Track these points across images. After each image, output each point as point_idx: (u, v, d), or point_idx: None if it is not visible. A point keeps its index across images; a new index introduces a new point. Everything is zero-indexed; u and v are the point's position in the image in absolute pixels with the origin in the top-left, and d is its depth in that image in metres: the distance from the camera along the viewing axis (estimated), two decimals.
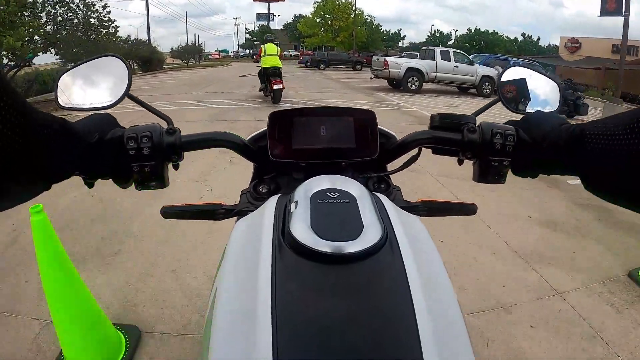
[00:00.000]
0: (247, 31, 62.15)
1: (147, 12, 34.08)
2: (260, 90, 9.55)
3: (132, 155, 0.56)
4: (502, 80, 0.73)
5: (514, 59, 20.29)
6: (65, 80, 0.65)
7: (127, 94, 0.64)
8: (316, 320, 0.36)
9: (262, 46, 9.05)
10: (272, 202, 0.55)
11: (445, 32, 59.80)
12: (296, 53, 64.37)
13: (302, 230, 0.44)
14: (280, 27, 65.22)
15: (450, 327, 0.39)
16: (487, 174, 0.63)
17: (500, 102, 0.71)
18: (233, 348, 0.36)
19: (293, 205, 0.49)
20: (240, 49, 75.47)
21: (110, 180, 0.58)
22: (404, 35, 61.31)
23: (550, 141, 0.55)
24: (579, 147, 0.50)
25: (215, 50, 71.64)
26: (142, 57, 26.44)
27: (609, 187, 0.47)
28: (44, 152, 0.41)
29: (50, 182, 0.45)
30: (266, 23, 61.73)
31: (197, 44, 40.63)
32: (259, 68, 9.27)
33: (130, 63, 24.85)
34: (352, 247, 0.41)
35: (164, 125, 0.62)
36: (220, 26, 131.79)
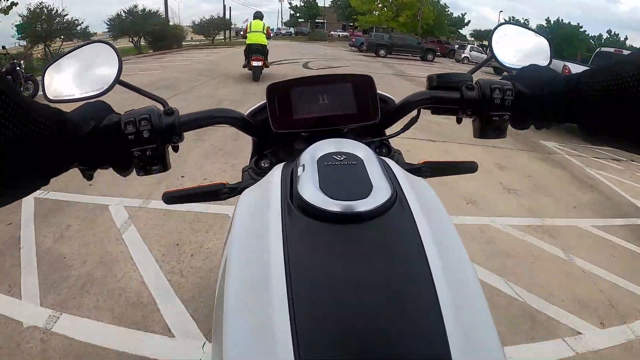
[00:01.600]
0: (290, 6, 54.18)
1: None
2: (244, 66, 9.05)
3: (131, 140, 0.55)
4: (493, 37, 0.73)
5: None
6: (51, 72, 0.64)
7: (118, 81, 0.63)
8: (332, 281, 0.35)
9: (249, 23, 9.02)
10: (277, 170, 0.55)
11: (521, 20, 49.45)
12: (345, 33, 56.64)
13: (311, 191, 0.43)
14: (328, 3, 57.14)
15: (466, 284, 0.39)
16: (488, 129, 0.64)
17: (493, 59, 0.73)
18: (249, 315, 0.35)
19: (300, 169, 0.49)
20: (284, 27, 68.17)
21: (111, 169, 0.57)
22: (469, 21, 51.54)
23: (547, 92, 0.56)
24: (577, 95, 0.51)
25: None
26: (154, 33, 20.66)
27: (607, 132, 0.49)
28: (41, 146, 0.41)
29: (49, 177, 0.45)
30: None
31: (226, 17, 33.17)
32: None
33: (137, 40, 18.82)
34: (362, 205, 0.41)
35: (160, 108, 0.60)
36: (266, 3, 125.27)
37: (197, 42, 28.59)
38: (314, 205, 0.42)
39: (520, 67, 0.68)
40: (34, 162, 0.40)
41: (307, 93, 0.67)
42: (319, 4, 54.19)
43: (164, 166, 0.59)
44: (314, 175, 0.46)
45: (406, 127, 0.74)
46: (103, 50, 0.65)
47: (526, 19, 48.60)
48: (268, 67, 9.26)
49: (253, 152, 0.75)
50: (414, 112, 0.71)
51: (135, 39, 20.20)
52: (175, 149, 0.62)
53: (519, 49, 0.73)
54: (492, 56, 0.73)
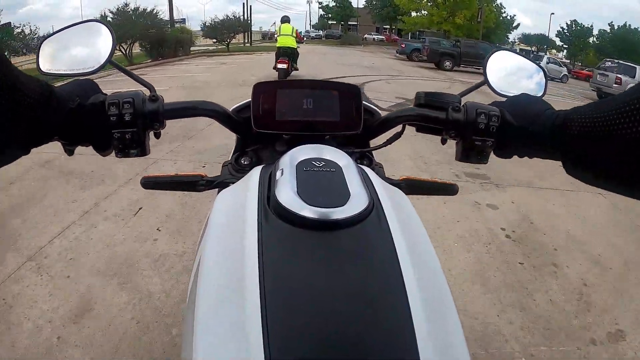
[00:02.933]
0: (320, 5, 48.59)
1: None
2: (273, 68, 8.95)
3: (113, 122, 0.55)
4: (488, 62, 0.73)
5: None
6: (47, 45, 0.65)
7: (109, 60, 0.63)
8: (306, 287, 0.36)
9: (278, 27, 9.35)
10: (256, 172, 0.55)
11: (585, 25, 42.25)
12: (380, 37, 50.80)
13: (288, 196, 0.43)
14: (362, 4, 51.31)
15: (438, 294, 0.40)
16: (470, 153, 0.63)
17: (486, 85, 0.71)
18: (220, 320, 0.35)
19: (279, 173, 0.49)
20: (312, 29, 62.73)
21: (90, 148, 0.58)
22: (518, 24, 44.36)
23: (534, 125, 0.56)
24: (562, 132, 0.51)
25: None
26: (150, 38, 16.38)
27: (590, 171, 0.49)
28: (25, 117, 0.41)
29: (29, 147, 0.45)
30: None
31: (244, 18, 26.03)
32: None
33: (126, 48, 14.00)
34: (339, 213, 0.41)
35: (147, 93, 0.61)
36: (294, 5, 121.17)
37: (212, 47, 23.58)
38: (290, 210, 0.42)
39: (512, 94, 0.68)
40: (16, 132, 0.41)
41: (293, 96, 0.66)
42: (353, 5, 48.31)
43: (143, 150, 0.59)
44: (292, 180, 0.46)
45: (389, 142, 0.74)
46: (99, 29, 0.66)
47: (573, 20, 41.71)
48: (297, 69, 9.51)
49: (235, 149, 0.75)
50: (399, 127, 0.71)
51: (125, 47, 15.17)
52: (157, 135, 0.62)
53: (514, 77, 0.74)
54: (485, 81, 0.72)
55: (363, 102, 0.68)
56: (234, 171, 0.71)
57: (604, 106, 0.45)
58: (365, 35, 49.40)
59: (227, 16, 22.25)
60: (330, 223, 0.41)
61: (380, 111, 0.75)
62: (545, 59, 22.99)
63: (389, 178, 0.71)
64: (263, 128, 0.66)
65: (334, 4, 45.76)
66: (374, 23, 50.02)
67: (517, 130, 0.58)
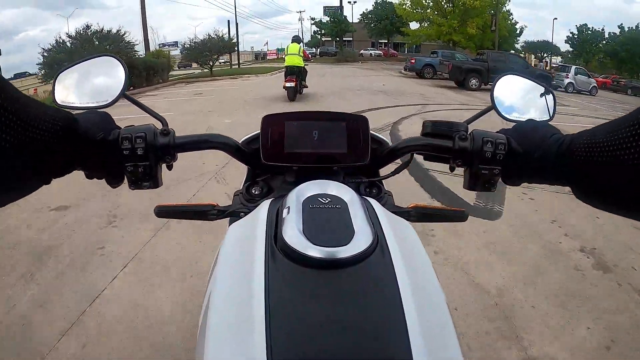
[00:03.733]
0: (313, 22, 45.75)
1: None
2: (283, 87, 9.27)
3: (125, 155, 0.57)
4: (495, 87, 0.72)
5: None
6: (62, 78, 0.67)
7: (123, 94, 0.65)
8: (310, 326, 0.37)
9: (287, 46, 9.72)
10: (264, 207, 0.57)
11: (596, 29, 39.45)
12: (377, 52, 48.23)
13: (294, 235, 0.45)
14: (356, 19, 48.73)
15: (440, 330, 0.41)
16: (477, 182, 0.63)
17: (493, 110, 0.71)
18: (228, 354, 0.37)
19: (285, 211, 0.50)
20: (305, 47, 60.30)
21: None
22: (522, 29, 41.15)
23: (540, 151, 0.55)
24: (568, 157, 0.51)
25: (271, 49, 56.18)
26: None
27: (598, 196, 0.48)
28: (46, 148, 0.42)
29: (50, 177, 0.47)
30: (339, 12, 45.10)
31: (229, 37, 22.22)
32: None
33: None
34: (343, 252, 0.42)
35: (159, 125, 0.63)
36: (288, 25, 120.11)
37: (197, 71, 20.65)
38: (295, 250, 0.43)
39: (520, 120, 0.69)
40: (40, 163, 0.42)
41: (301, 128, 0.67)
42: (349, 21, 45.57)
43: (155, 183, 0.61)
44: (298, 219, 0.47)
45: (397, 171, 0.75)
46: (111, 63, 0.68)
47: (583, 24, 39.10)
48: (306, 86, 9.87)
49: (246, 178, 0.77)
50: (407, 156, 0.71)
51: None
52: (169, 167, 0.64)
53: (522, 101, 0.73)
54: (492, 106, 0.71)
55: (370, 132, 0.69)
56: (245, 201, 0.71)
57: (610, 128, 0.44)
58: (362, 51, 46.74)
59: (209, 36, 19.38)
60: (334, 262, 0.42)
61: (387, 140, 0.75)
62: (573, 70, 20.13)
63: (397, 206, 0.71)
64: (272, 160, 0.67)
65: (328, 19, 43.10)
66: (370, 37, 47.41)
67: (523, 157, 0.58)
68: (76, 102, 0.65)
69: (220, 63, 25.25)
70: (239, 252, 0.50)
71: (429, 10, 29.76)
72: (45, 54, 14.15)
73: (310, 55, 13.37)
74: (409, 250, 0.48)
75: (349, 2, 50.25)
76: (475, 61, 15.45)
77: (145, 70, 14.67)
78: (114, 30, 15.31)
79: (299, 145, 0.67)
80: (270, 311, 0.37)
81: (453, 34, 27.55)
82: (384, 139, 0.76)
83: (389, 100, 9.98)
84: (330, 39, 47.69)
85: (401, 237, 0.49)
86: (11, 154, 0.37)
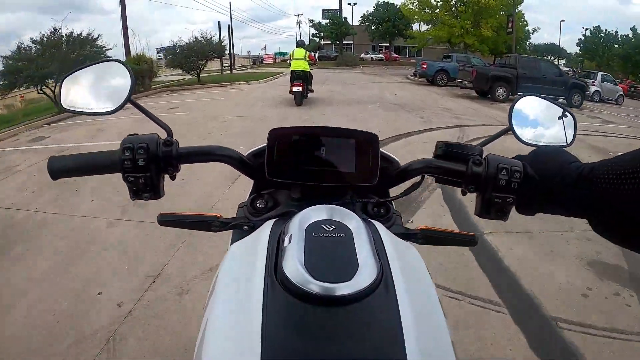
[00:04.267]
0: (311, 24, 43.24)
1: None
2: (289, 92, 9.41)
3: (126, 167, 0.57)
4: (514, 109, 0.70)
5: None
6: (68, 82, 0.67)
7: (129, 100, 0.65)
8: None
9: (292, 50, 9.60)
10: (266, 230, 0.55)
11: (610, 32, 37.32)
12: (379, 56, 46.27)
13: (294, 268, 0.43)
14: (357, 21, 46.67)
15: None
16: (489, 209, 0.61)
17: (510, 132, 0.70)
18: None
19: (287, 239, 0.48)
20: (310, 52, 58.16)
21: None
22: (534, 30, 38.83)
23: (558, 180, 0.53)
24: (588, 187, 0.48)
25: (268, 53, 54.01)
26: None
27: (617, 230, 0.46)
28: None
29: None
30: (338, 14, 42.93)
31: (219, 39, 19.52)
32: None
33: (56, 88, 9.68)
34: (345, 288, 0.41)
35: (163, 134, 0.62)
36: (286, 29, 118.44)
37: (183, 79, 18.60)
38: (296, 285, 0.41)
39: (538, 144, 0.68)
40: None
41: (309, 143, 0.65)
42: (350, 23, 43.43)
43: (157, 193, 0.60)
44: (300, 249, 0.46)
45: (406, 192, 0.70)
46: (117, 69, 0.67)
47: (596, 26, 37.13)
48: (312, 91, 9.89)
49: (252, 191, 0.75)
50: (418, 178, 0.69)
51: (54, 87, 10.41)
52: (172, 178, 0.63)
53: (541, 124, 0.71)
54: (509, 128, 0.70)
55: (381, 150, 0.66)
56: (249, 214, 0.70)
57: (636, 156, 0.42)
58: (362, 55, 44.76)
59: (196, 38, 17.30)
60: (336, 299, 0.40)
61: (398, 160, 0.73)
62: (599, 76, 18.10)
63: (406, 228, 0.70)
64: (277, 176, 0.64)
65: (327, 21, 41.06)
66: (371, 40, 45.44)
67: (540, 186, 0.55)
68: (82, 107, 0.66)
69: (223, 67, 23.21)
70: (238, 280, 0.48)
71: (438, 11, 27.48)
72: (3, 61, 12.06)
73: (316, 60, 12.48)
74: (414, 282, 0.47)
75: (349, 4, 48.21)
76: (500, 67, 13.36)
77: None
78: (86, 34, 13.27)
79: (305, 162, 0.64)
80: (266, 346, 0.36)
81: (465, 36, 25.43)
82: (395, 158, 0.73)
83: (412, 119, 7.95)
84: (329, 42, 45.69)
85: (407, 266, 0.48)
86: None
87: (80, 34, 13.32)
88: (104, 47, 13.91)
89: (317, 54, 42.04)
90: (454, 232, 0.75)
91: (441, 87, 16.21)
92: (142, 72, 14.12)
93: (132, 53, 17.34)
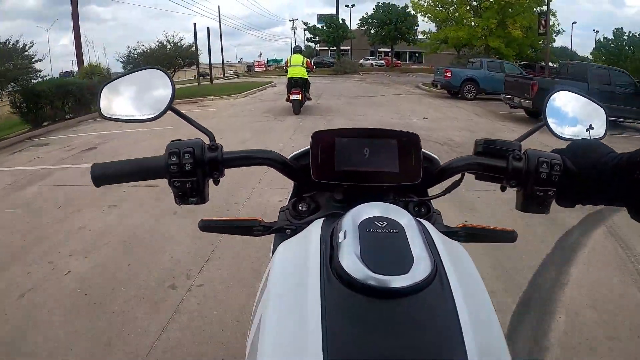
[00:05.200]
0: (305, 27, 39.05)
1: None
2: (286, 100, 9.13)
3: (173, 171, 0.58)
4: (548, 104, 0.71)
5: None
6: (107, 90, 0.68)
7: (169, 107, 0.65)
8: (368, 356, 0.36)
9: (289, 57, 9.31)
10: (316, 227, 0.55)
11: (634, 34, 33.56)
12: (379, 62, 43.00)
13: (352, 262, 0.43)
14: (355, 25, 43.16)
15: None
16: (531, 203, 0.62)
17: (545, 127, 0.71)
18: None
19: (341, 235, 0.48)
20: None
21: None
22: (558, 32, 34.52)
23: (596, 171, 0.55)
24: (627, 176, 0.50)
25: (258, 60, 50.23)
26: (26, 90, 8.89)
27: None
28: None
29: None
30: (335, 17, 39.39)
31: (195, 44, 16.60)
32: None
33: None
34: (403, 281, 0.41)
35: (206, 140, 0.63)
36: (283, 36, 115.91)
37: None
38: (354, 277, 0.41)
39: (573, 138, 0.69)
40: None
41: (352, 145, 0.66)
42: (348, 27, 39.45)
43: (202, 199, 0.61)
44: (355, 244, 0.46)
45: (448, 190, 0.72)
46: (157, 76, 0.67)
47: (619, 28, 33.81)
48: (310, 99, 9.55)
49: (292, 194, 0.75)
50: (458, 176, 0.69)
51: None
52: (216, 183, 0.63)
53: (573, 118, 0.72)
54: (544, 123, 0.70)
55: (422, 150, 0.67)
56: (291, 217, 0.70)
57: None
58: (361, 61, 41.44)
59: (161, 43, 13.82)
60: (394, 291, 0.40)
61: (438, 158, 0.73)
62: None
63: (446, 226, 0.70)
64: (322, 178, 0.65)
65: (323, 23, 37.58)
66: (371, 45, 42.10)
67: (579, 177, 0.57)
68: (122, 115, 0.66)
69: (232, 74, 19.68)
70: (292, 275, 0.48)
71: (455, 7, 23.49)
72: None
73: (314, 66, 10.59)
74: (466, 278, 0.47)
75: (347, 6, 44.68)
76: (562, 79, 9.79)
77: (59, 98, 9.33)
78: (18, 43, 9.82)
79: (349, 163, 0.65)
80: (327, 339, 0.36)
81: (488, 38, 21.66)
82: (435, 157, 0.73)
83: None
84: (326, 47, 42.35)
85: (458, 263, 0.48)
86: None
87: (7, 41, 9.82)
88: (31, 55, 10.45)
89: (312, 60, 38.70)
90: (494, 228, 0.74)
91: (469, 100, 12.78)
92: (90, 88, 10.59)
93: (112, 63, 13.84)
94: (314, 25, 37.13)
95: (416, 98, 13.55)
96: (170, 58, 14.06)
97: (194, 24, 18.30)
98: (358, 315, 0.39)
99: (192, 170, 0.58)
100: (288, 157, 0.70)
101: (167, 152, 0.58)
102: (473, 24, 22.16)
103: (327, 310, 0.39)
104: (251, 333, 0.49)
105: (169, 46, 14.28)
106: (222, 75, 30.06)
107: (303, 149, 0.71)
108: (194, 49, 15.78)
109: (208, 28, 18.55)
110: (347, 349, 0.36)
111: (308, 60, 9.36)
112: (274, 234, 0.70)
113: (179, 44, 14.79)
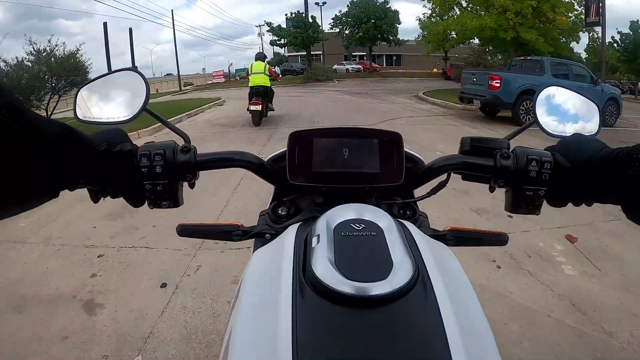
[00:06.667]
0: (268, 28, 31.48)
1: None
2: (247, 109, 8.38)
3: (144, 173, 0.56)
4: (538, 101, 0.69)
5: None
6: (83, 93, 0.67)
7: (144, 109, 0.64)
8: None
9: (251, 64, 8.77)
10: (291, 233, 0.53)
11: None
12: (356, 67, 37.74)
13: (325, 268, 0.41)
14: (327, 25, 37.56)
15: None
16: (521, 204, 0.59)
17: (535, 125, 0.69)
18: None
19: (315, 240, 0.46)
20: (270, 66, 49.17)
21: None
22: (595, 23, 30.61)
23: (590, 168, 0.52)
24: (623, 172, 0.48)
25: (217, 71, 44.01)
26: None
27: None
28: (48, 158, 0.41)
29: (57, 190, 0.45)
30: (304, 14, 33.42)
31: (73, 53, 9.73)
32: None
33: None
34: (381, 287, 0.38)
35: (181, 142, 0.61)
36: (253, 45, 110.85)
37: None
38: (327, 285, 0.39)
39: (564, 135, 0.66)
40: (38, 174, 0.40)
41: (330, 145, 0.64)
42: (321, 27, 33.41)
43: (175, 202, 0.59)
44: (329, 249, 0.43)
45: (433, 191, 0.69)
46: (132, 78, 0.66)
47: (635, 21, 29.44)
48: (273, 109, 9.12)
49: (273, 198, 0.73)
50: (444, 176, 0.67)
51: None
52: (191, 186, 0.62)
53: (565, 115, 0.70)
54: (535, 121, 0.68)
55: (405, 149, 0.65)
56: (271, 222, 0.68)
57: None
58: (335, 66, 36.06)
59: (29, 55, 8.18)
60: (371, 299, 0.38)
61: (422, 158, 0.71)
62: None
63: (433, 229, 0.68)
64: (299, 181, 0.63)
65: (289, 23, 31.66)
66: (346, 49, 36.58)
67: (571, 175, 0.54)
68: (97, 117, 0.65)
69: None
70: (264, 284, 0.46)
71: None
72: None
73: (278, 74, 10.06)
74: (452, 280, 0.44)
75: (317, 4, 38.83)
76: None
77: None
78: None
79: (328, 165, 0.63)
80: (297, 353, 0.34)
81: (520, 29, 15.66)
82: (419, 157, 0.70)
83: None
84: (295, 53, 36.73)
85: (443, 265, 0.46)
86: (22, 166, 0.37)
87: None
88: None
89: (279, 68, 32.60)
90: (484, 231, 0.72)
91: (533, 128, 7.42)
92: None
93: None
94: (279, 26, 31.15)
95: (427, 120, 8.81)
96: (39, 75, 8.38)
97: (104, 24, 13.00)
98: (332, 325, 0.37)
99: (163, 172, 0.55)
100: (265, 159, 0.69)
101: (138, 154, 0.55)
102: (504, 9, 15.81)
103: (298, 322, 0.37)
104: (224, 344, 0.47)
105: (35, 60, 8.62)
106: (178, 90, 26.60)
107: (280, 151, 0.68)
108: (83, 59, 10.19)
109: (130, 29, 12.87)
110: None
111: (270, 67, 8.95)
112: (253, 239, 0.68)
113: (52, 54, 9.14)
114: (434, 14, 20.39)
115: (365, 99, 14.29)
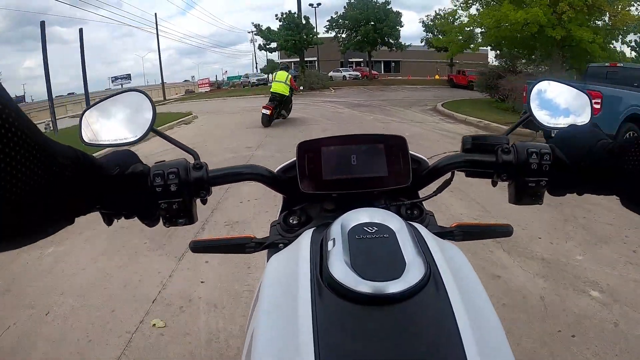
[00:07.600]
0: (255, 30, 29.33)
1: None
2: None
3: (158, 192, 0.56)
4: (531, 95, 0.70)
5: None
6: (88, 116, 0.66)
7: (151, 129, 0.64)
8: None
9: (275, 73, 10.76)
10: (306, 238, 0.55)
11: None
12: (355, 73, 34.92)
13: (342, 270, 0.42)
14: (322, 29, 34.57)
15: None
16: (524, 195, 0.62)
17: (530, 118, 0.70)
18: None
19: (330, 243, 0.48)
20: (255, 72, 46.18)
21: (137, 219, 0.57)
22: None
23: (588, 159, 0.54)
24: (620, 163, 0.49)
25: (203, 79, 40.81)
26: None
27: None
28: (64, 186, 0.41)
29: (72, 217, 0.45)
30: (297, 14, 30.47)
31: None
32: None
33: None
34: (395, 286, 0.40)
35: (191, 160, 0.62)
36: (248, 53, 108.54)
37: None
38: (344, 286, 0.41)
39: (559, 127, 0.68)
40: (57, 202, 0.40)
41: (338, 153, 0.65)
42: (316, 29, 30.00)
43: (190, 219, 0.60)
44: (345, 251, 0.45)
45: (439, 190, 0.72)
46: (138, 98, 0.66)
47: None
48: (285, 117, 9.82)
49: (282, 208, 0.74)
50: (448, 175, 0.69)
51: None
52: (204, 202, 0.62)
53: (558, 107, 0.71)
54: (530, 115, 0.69)
55: (410, 152, 0.67)
56: (283, 231, 0.69)
57: None
58: (331, 73, 33.22)
59: None
60: (386, 297, 0.40)
61: (426, 159, 0.73)
62: None
63: (440, 227, 0.70)
64: (310, 189, 0.64)
65: (280, 24, 28.73)
66: (343, 53, 33.70)
67: (570, 166, 0.56)
68: (104, 140, 0.65)
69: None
70: (282, 288, 0.47)
71: None
72: None
73: (299, 87, 11.35)
74: (463, 280, 0.45)
75: (311, 5, 35.53)
76: None
77: None
78: None
79: (337, 172, 0.64)
80: (320, 350, 0.35)
81: (569, 24, 12.56)
82: (423, 158, 0.73)
83: None
84: (288, 59, 33.83)
85: (453, 264, 0.47)
86: (41, 195, 0.36)
87: None
88: None
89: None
90: (489, 224, 0.74)
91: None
92: None
93: None
94: (268, 28, 28.25)
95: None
96: None
97: (80, 29, 11.67)
98: (351, 323, 0.38)
99: (177, 190, 0.56)
100: (275, 170, 0.70)
101: (151, 173, 0.56)
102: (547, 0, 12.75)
103: (319, 321, 0.38)
104: (245, 349, 0.49)
105: None
106: (162, 99, 25.34)
107: (290, 161, 0.70)
108: None
109: (43, 22, 10.03)
110: (340, 358, 0.35)
111: (292, 79, 9.78)
112: (266, 250, 0.69)
113: None
114: (461, 5, 17.27)
115: (371, 114, 11.47)
